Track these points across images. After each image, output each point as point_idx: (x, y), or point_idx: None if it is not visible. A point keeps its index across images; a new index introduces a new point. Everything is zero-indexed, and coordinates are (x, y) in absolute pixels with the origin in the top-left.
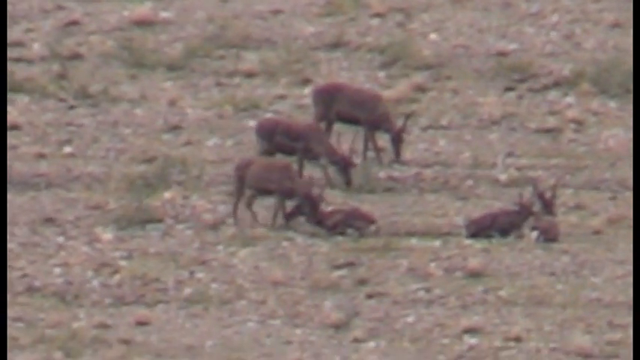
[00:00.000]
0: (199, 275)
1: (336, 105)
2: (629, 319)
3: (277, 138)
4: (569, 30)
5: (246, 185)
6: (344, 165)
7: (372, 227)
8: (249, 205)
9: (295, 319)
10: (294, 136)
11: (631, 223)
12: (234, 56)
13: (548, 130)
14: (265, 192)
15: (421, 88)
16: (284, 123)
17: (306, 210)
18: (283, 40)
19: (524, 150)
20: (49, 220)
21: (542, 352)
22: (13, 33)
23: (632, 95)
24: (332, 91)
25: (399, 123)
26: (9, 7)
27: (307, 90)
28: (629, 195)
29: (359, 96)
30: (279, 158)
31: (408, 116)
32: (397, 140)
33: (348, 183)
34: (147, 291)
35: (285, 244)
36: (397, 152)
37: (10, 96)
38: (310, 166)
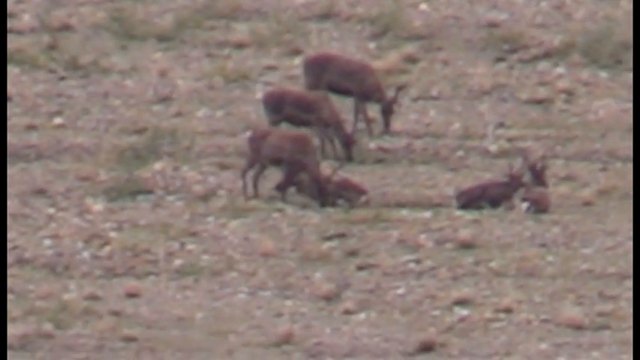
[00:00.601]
0: (190, 247)
1: (327, 75)
2: (620, 290)
3: (287, 109)
4: (559, 1)
5: (262, 156)
6: (346, 141)
7: (363, 198)
8: (247, 176)
9: (286, 290)
10: (305, 107)
11: (621, 193)
12: (224, 27)
13: (538, 101)
14: (278, 162)
15: (411, 59)
16: (293, 94)
17: (313, 189)
18: (273, 11)
19: (514, 121)
20: (40, 192)
21: (532, 324)
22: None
23: (622, 66)
24: (322, 61)
25: (390, 94)
26: None
27: (298, 61)
28: (620, 166)
29: (349, 67)
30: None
31: (399, 88)
32: (387, 111)
33: (349, 158)
34: (137, 262)
35: (275, 215)
36: (387, 123)
37: None
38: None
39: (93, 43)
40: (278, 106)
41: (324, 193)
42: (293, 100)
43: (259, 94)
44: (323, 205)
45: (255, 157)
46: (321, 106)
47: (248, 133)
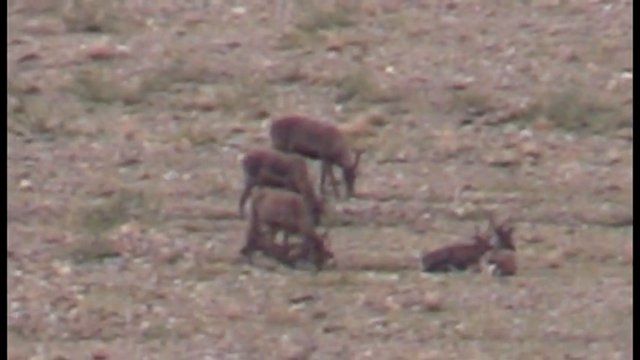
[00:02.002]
0: (157, 309)
1: (294, 138)
2: (586, 353)
3: (263, 170)
4: (525, 63)
5: (260, 218)
6: (314, 209)
7: (330, 261)
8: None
9: (253, 353)
10: (280, 170)
11: (588, 256)
12: (191, 90)
13: (505, 164)
14: (274, 225)
15: (378, 122)
16: (270, 156)
17: (310, 249)
18: (240, 74)
19: (481, 183)
20: (7, 254)
21: None
22: None
23: (588, 128)
24: (290, 124)
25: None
26: None
27: (265, 123)
28: (586, 228)
29: (316, 129)
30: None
31: (359, 153)
32: (350, 176)
33: (316, 223)
34: (104, 325)
35: (242, 277)
36: (350, 188)
37: None
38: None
39: (60, 106)
40: (255, 167)
41: (323, 253)
42: (269, 162)
43: (240, 156)
44: (320, 267)
45: (255, 220)
46: (294, 169)
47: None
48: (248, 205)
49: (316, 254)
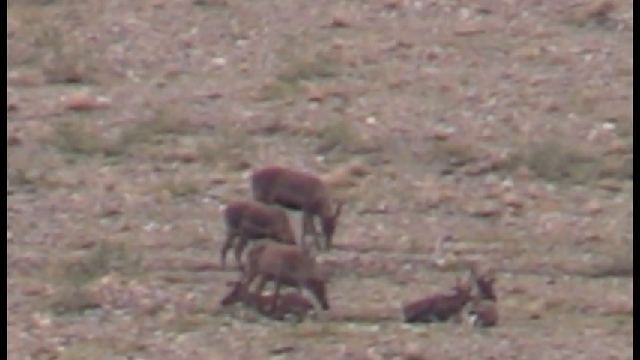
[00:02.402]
0: None
1: (275, 189)
2: None
3: (244, 222)
4: (506, 113)
5: (258, 270)
6: None
7: (310, 312)
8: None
9: None
10: (261, 222)
11: (569, 306)
12: (171, 141)
13: (486, 214)
14: (272, 278)
15: (359, 173)
16: (252, 207)
17: (314, 295)
18: (221, 125)
19: (462, 234)
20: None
21: None
22: None
23: (569, 179)
24: (271, 175)
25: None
26: None
27: (246, 175)
28: (568, 279)
29: (298, 180)
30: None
31: (340, 204)
32: (329, 227)
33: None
34: None
35: (223, 329)
36: (329, 239)
37: None
38: None
39: (40, 158)
40: (236, 219)
41: (324, 293)
42: (250, 214)
43: (221, 208)
44: (327, 307)
45: (253, 271)
46: (276, 221)
47: (249, 247)
48: (230, 256)
49: (320, 297)
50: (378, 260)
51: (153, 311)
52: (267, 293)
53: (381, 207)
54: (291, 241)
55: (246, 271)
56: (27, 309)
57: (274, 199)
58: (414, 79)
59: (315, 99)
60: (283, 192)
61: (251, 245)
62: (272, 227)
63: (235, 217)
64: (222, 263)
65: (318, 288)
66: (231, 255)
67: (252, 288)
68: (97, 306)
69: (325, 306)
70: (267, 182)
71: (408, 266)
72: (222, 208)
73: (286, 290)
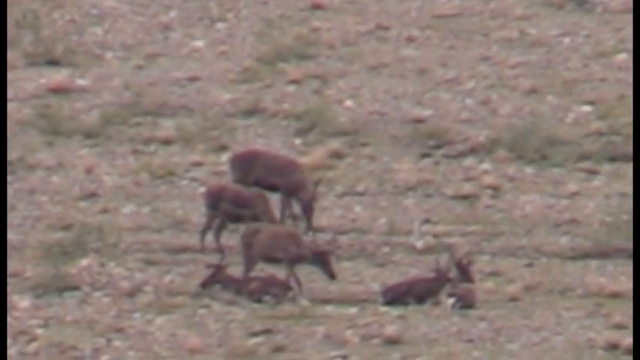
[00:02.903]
0: (116, 343)
1: (254, 171)
2: None
3: (224, 205)
4: (485, 96)
5: (254, 253)
6: None
7: (289, 294)
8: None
9: None
10: (241, 204)
11: (547, 289)
12: (150, 123)
13: (464, 197)
14: (273, 260)
15: (337, 155)
16: (230, 190)
17: (320, 266)
18: (199, 107)
19: (440, 216)
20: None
21: None
22: None
23: (548, 161)
24: (249, 157)
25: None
26: None
27: (225, 157)
28: (546, 261)
29: (276, 162)
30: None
31: (316, 184)
32: (308, 209)
33: None
34: (64, 359)
35: (201, 311)
36: (308, 221)
37: None
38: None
39: (19, 140)
40: (216, 201)
41: (330, 263)
42: (230, 196)
43: (200, 190)
44: (334, 278)
45: (250, 254)
46: (256, 203)
47: (241, 231)
48: (209, 239)
49: (325, 267)
50: (357, 243)
51: (131, 293)
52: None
53: (360, 189)
54: (273, 223)
55: (243, 254)
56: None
57: (253, 181)
58: (393, 61)
59: (294, 81)
60: (262, 174)
61: (243, 229)
62: (252, 209)
63: (215, 199)
64: (202, 245)
65: (324, 259)
66: (210, 237)
67: (238, 271)
68: (75, 288)
69: (332, 276)
70: (246, 164)
71: (386, 249)
72: (202, 190)
73: (265, 272)
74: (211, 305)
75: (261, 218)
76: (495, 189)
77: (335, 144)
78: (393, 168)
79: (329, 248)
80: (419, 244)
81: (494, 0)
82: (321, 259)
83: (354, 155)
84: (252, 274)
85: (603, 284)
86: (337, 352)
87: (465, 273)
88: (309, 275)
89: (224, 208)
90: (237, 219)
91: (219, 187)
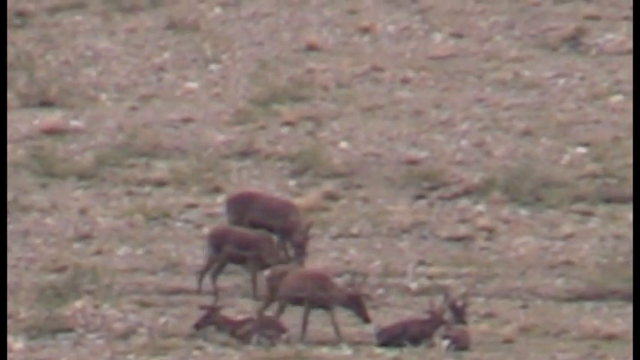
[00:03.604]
0: None
1: (249, 213)
2: None
3: (228, 247)
4: (479, 138)
5: (279, 295)
6: None
7: (283, 336)
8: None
9: None
10: (246, 246)
11: (542, 331)
12: (144, 165)
13: (459, 239)
14: (298, 302)
15: (332, 197)
16: (236, 232)
17: (355, 310)
18: (193, 149)
19: (435, 258)
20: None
21: None
22: None
23: (542, 203)
24: (245, 199)
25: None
26: None
27: (218, 199)
28: (540, 303)
29: (272, 204)
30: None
31: (308, 226)
32: (300, 251)
33: None
34: None
35: (196, 353)
36: (300, 263)
37: None
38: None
39: (13, 181)
40: (220, 243)
41: (364, 307)
42: (234, 239)
43: (194, 232)
44: (368, 321)
45: (272, 295)
46: (262, 245)
47: (266, 273)
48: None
49: (360, 311)
50: (351, 284)
51: (126, 335)
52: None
53: (354, 231)
54: (280, 264)
55: (264, 296)
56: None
57: (248, 223)
58: (387, 103)
59: (288, 123)
60: (257, 216)
61: (269, 271)
62: (258, 251)
63: (219, 241)
64: (199, 287)
65: (359, 302)
66: (204, 279)
67: (231, 312)
68: (69, 330)
69: (367, 320)
70: (242, 206)
71: (380, 290)
72: (203, 232)
73: (259, 314)
74: (205, 347)
75: (266, 260)
76: (490, 231)
77: (329, 186)
78: (387, 210)
79: (363, 292)
80: (413, 285)
81: (488, 42)
82: (356, 303)
83: (348, 197)
84: (246, 316)
85: (598, 326)
86: None
87: (458, 315)
88: (302, 317)
89: (228, 251)
90: (240, 261)
91: (224, 229)
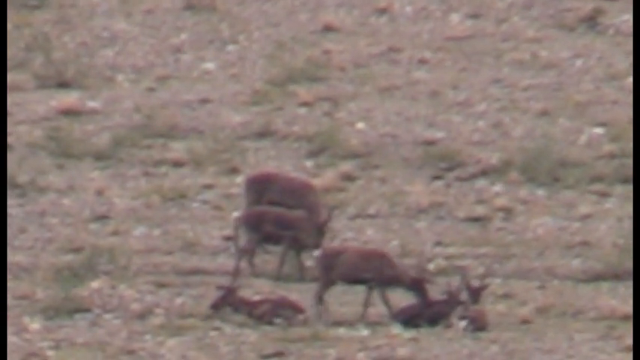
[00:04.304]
0: None
1: (268, 193)
2: None
3: (266, 227)
4: (497, 118)
5: (336, 274)
6: None
7: (301, 317)
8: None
9: None
10: (284, 225)
11: (559, 311)
12: (161, 146)
13: (476, 219)
14: (360, 281)
15: (349, 177)
16: (273, 212)
17: (416, 293)
18: (210, 129)
19: (452, 239)
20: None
21: None
22: None
23: (560, 183)
24: (264, 179)
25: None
26: None
27: (236, 179)
28: (558, 283)
29: (291, 185)
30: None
31: (332, 209)
32: (320, 231)
33: None
34: None
35: (212, 333)
36: (320, 244)
37: None
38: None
39: (30, 162)
40: (257, 224)
41: (426, 293)
42: (272, 218)
43: (235, 213)
44: (428, 305)
45: (327, 276)
46: (301, 225)
47: (317, 253)
48: (220, 260)
49: (423, 295)
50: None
51: (142, 316)
52: (257, 298)
53: (371, 212)
54: (318, 245)
55: (320, 276)
56: (17, 313)
57: (267, 204)
58: (404, 83)
59: (305, 104)
60: (276, 196)
61: (320, 250)
62: (296, 231)
63: (256, 221)
64: (237, 270)
65: (422, 286)
66: (221, 259)
67: (248, 293)
68: (86, 310)
69: (428, 305)
70: (261, 186)
71: None
72: (237, 214)
73: (317, 297)
74: (222, 327)
75: (304, 241)
76: (507, 211)
77: (346, 166)
78: (404, 190)
79: (425, 275)
80: (431, 266)
81: (506, 22)
82: (419, 287)
83: (365, 177)
84: (262, 296)
85: (615, 307)
86: None
87: (474, 296)
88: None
89: (266, 230)
90: (277, 241)
91: (260, 210)
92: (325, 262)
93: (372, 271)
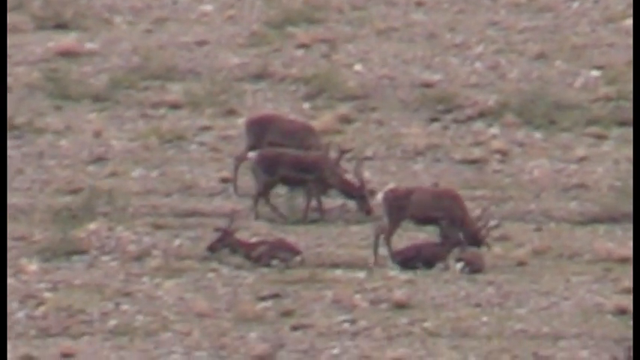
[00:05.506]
0: (124, 307)
1: (268, 136)
2: (554, 350)
3: (282, 170)
4: (493, 61)
5: (407, 214)
6: (360, 194)
7: (298, 258)
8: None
9: (220, 350)
10: (304, 168)
11: (556, 254)
12: (158, 87)
13: (472, 161)
14: (430, 221)
15: (346, 119)
16: (289, 154)
17: (470, 244)
18: (208, 72)
19: (449, 181)
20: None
21: None
22: None
23: (556, 126)
24: (264, 121)
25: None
26: None
27: (233, 121)
28: (554, 226)
29: (291, 127)
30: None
31: (342, 152)
32: (335, 173)
33: (368, 212)
34: (72, 322)
35: (210, 275)
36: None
37: None
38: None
39: (27, 104)
40: (273, 166)
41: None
42: (290, 161)
43: (250, 155)
44: (480, 244)
45: (398, 217)
46: (323, 166)
47: (381, 194)
48: (217, 203)
49: (476, 242)
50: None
51: (140, 257)
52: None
53: (368, 154)
54: (345, 185)
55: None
56: (14, 255)
57: (267, 146)
58: (402, 25)
59: (303, 45)
60: (276, 138)
61: (386, 191)
62: (319, 173)
63: (271, 164)
64: (256, 213)
65: (480, 237)
66: (219, 201)
67: (245, 235)
68: (84, 252)
69: (480, 244)
70: (261, 128)
71: None
72: (252, 155)
73: (387, 240)
74: (220, 269)
75: (329, 182)
76: (504, 154)
77: (343, 108)
78: (401, 132)
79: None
80: None
81: None
82: (478, 238)
83: (362, 120)
84: (259, 238)
85: (612, 249)
86: (345, 317)
87: (473, 237)
88: (317, 239)
89: (284, 174)
90: (297, 184)
91: (275, 152)
92: (395, 202)
93: (443, 211)
